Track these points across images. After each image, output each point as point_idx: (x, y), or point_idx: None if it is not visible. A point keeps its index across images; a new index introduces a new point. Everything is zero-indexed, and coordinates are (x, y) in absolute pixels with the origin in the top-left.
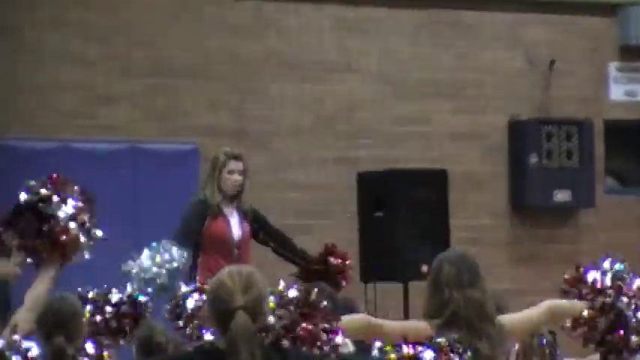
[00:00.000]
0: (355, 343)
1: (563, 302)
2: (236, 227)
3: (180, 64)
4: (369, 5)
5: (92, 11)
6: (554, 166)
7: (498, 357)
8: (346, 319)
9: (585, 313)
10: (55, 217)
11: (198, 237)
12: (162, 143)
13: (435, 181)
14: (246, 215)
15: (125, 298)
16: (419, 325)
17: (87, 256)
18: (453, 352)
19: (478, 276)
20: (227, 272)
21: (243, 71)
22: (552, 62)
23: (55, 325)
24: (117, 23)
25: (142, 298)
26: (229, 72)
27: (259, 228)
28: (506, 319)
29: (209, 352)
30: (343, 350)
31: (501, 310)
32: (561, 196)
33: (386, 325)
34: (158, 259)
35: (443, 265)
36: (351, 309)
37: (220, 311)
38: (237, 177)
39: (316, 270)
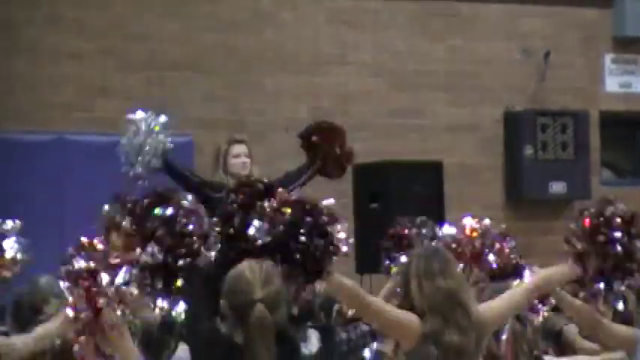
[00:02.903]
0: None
1: (545, 272)
2: None
3: (175, 57)
4: None
5: (88, 6)
6: (550, 158)
7: (470, 346)
8: (338, 278)
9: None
10: None
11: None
12: None
13: (431, 173)
14: None
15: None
16: (407, 319)
17: None
18: None
19: (450, 265)
20: (247, 265)
21: (238, 64)
22: (547, 54)
23: (30, 314)
24: (112, 17)
25: None
26: (225, 65)
27: None
28: (484, 306)
29: (227, 345)
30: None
31: None
32: (556, 187)
33: (373, 306)
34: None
35: (412, 259)
36: (330, 306)
37: (239, 303)
38: (244, 158)
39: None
